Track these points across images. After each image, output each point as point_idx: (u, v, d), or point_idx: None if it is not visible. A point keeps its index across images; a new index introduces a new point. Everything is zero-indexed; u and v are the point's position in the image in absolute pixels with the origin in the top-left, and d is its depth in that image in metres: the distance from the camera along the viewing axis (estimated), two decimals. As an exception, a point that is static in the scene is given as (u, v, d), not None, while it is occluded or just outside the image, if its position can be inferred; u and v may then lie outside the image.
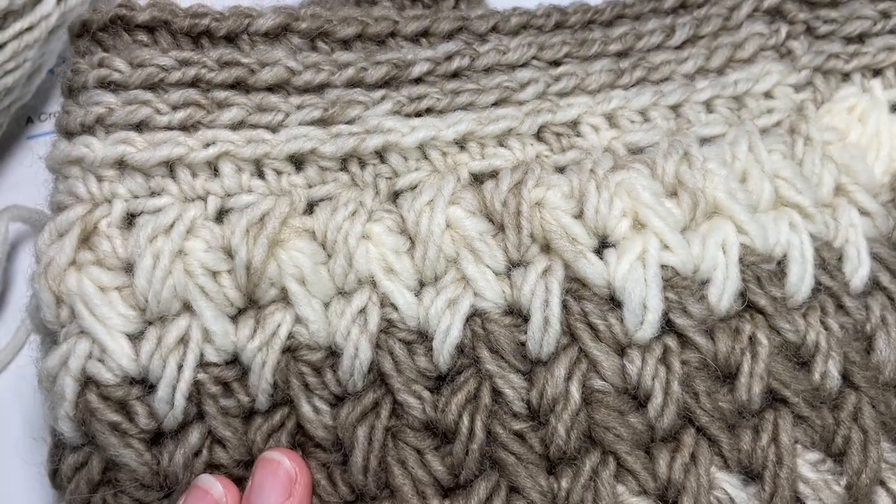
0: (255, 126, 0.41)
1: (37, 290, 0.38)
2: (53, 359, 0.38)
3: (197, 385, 0.38)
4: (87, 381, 0.38)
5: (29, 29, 0.51)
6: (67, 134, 0.41)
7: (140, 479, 0.38)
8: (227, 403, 0.39)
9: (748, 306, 0.41)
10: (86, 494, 0.39)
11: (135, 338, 0.38)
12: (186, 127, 0.40)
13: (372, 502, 0.39)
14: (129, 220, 0.40)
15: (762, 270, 0.42)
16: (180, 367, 0.38)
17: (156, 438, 0.39)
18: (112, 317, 0.38)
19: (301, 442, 0.40)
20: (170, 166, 0.40)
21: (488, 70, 0.45)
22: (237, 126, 0.41)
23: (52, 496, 0.44)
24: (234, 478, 0.39)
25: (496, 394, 0.39)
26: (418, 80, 0.44)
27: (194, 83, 0.41)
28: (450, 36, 0.45)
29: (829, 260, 0.43)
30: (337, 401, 0.40)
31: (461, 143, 0.44)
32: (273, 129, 0.41)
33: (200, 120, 0.40)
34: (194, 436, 0.38)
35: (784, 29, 0.47)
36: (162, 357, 0.38)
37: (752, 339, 0.40)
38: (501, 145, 0.44)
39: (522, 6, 0.47)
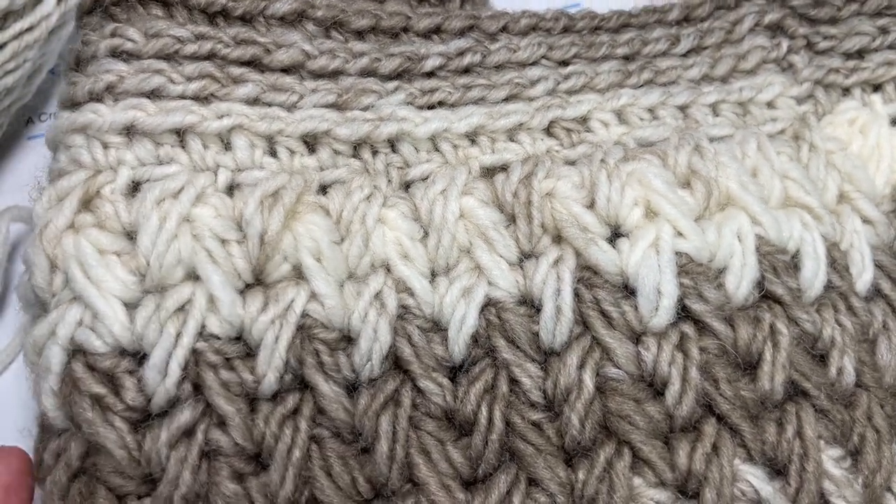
0: (269, 104, 0.41)
1: (30, 255, 0.36)
2: (41, 328, 0.36)
3: (196, 355, 0.35)
4: (76, 352, 0.35)
5: (29, 29, 0.50)
6: (73, 105, 0.39)
7: (118, 466, 0.35)
8: (228, 377, 0.36)
9: (764, 297, 0.41)
10: (65, 484, 0.36)
11: (131, 307, 0.36)
12: (200, 98, 0.39)
13: (393, 497, 0.36)
14: (134, 188, 0.38)
15: (778, 260, 0.41)
16: (179, 334, 0.35)
17: (141, 423, 0.36)
18: (108, 280, 0.35)
19: (316, 434, 0.37)
20: (181, 136, 0.39)
21: (499, 67, 0.45)
22: (252, 102, 0.40)
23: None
24: (237, 472, 0.36)
25: (513, 383, 0.38)
26: (430, 74, 0.45)
27: (209, 57, 0.40)
28: (461, 33, 0.46)
29: (838, 260, 0.43)
30: (349, 388, 0.37)
31: (472, 137, 0.44)
32: (288, 108, 0.41)
33: (215, 93, 0.40)
34: (186, 412, 0.35)
35: (785, 43, 0.48)
36: (160, 322, 0.35)
37: (773, 329, 0.40)
38: (512, 140, 0.44)
39: (530, 9, 0.48)
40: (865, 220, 0.45)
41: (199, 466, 0.35)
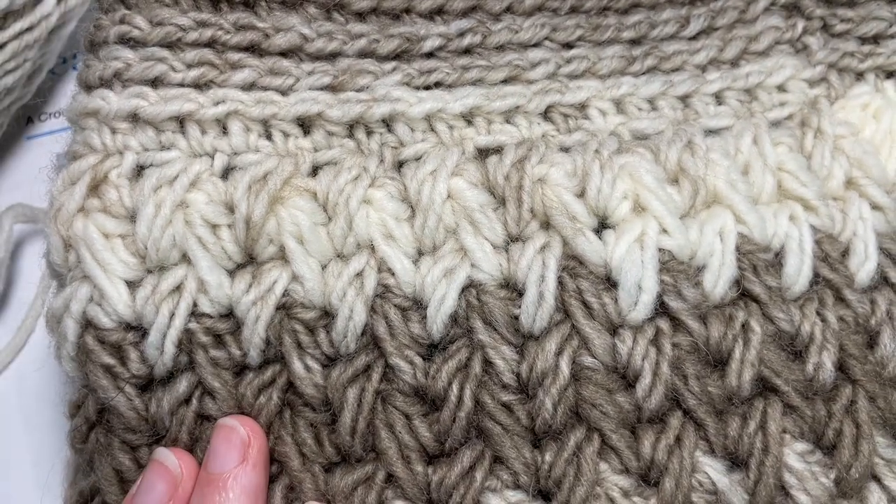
0: (265, 88, 0.42)
1: (47, 234, 0.40)
2: (59, 301, 0.40)
3: (188, 334, 0.39)
4: (87, 324, 0.39)
5: (29, 29, 0.52)
6: (87, 87, 0.42)
7: (128, 424, 0.39)
8: (217, 354, 0.39)
9: (743, 294, 0.41)
10: (84, 433, 0.40)
11: (135, 285, 0.40)
12: (199, 85, 0.41)
13: (357, 464, 0.39)
14: (139, 172, 0.41)
15: (759, 259, 0.41)
16: (173, 315, 0.39)
17: (148, 385, 0.40)
18: (113, 262, 0.39)
19: (290, 400, 0.40)
20: (180, 122, 0.41)
21: (500, 48, 0.45)
22: (248, 87, 0.42)
23: (52, 495, 0.45)
24: None
25: (487, 364, 0.40)
26: (429, 55, 0.45)
27: (210, 44, 0.42)
28: (464, 14, 0.46)
29: (831, 253, 0.42)
30: (328, 361, 0.40)
31: (468, 118, 0.45)
32: (283, 91, 0.42)
33: (213, 79, 0.41)
34: (182, 385, 0.39)
35: (801, 24, 0.47)
36: (155, 304, 0.39)
37: (745, 327, 0.40)
38: (508, 122, 0.45)
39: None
40: (875, 207, 0.44)
41: (195, 426, 0.40)
